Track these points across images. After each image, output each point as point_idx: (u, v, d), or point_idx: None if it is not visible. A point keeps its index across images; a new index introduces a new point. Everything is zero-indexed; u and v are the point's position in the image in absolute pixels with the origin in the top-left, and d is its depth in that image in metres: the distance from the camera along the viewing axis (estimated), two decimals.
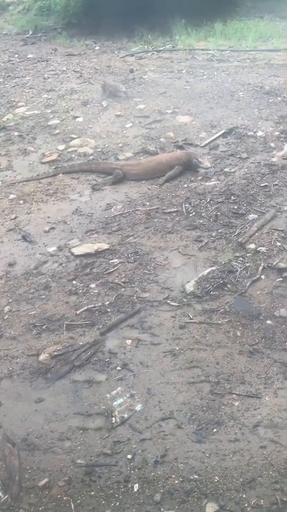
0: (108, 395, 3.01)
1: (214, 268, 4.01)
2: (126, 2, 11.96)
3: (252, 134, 6.41)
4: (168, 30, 11.69)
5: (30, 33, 13.34)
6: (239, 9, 13.02)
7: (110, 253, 4.33)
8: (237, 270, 3.97)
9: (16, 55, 11.13)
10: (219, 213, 4.76)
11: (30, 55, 11.01)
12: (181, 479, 2.54)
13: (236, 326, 3.47)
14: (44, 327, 3.57)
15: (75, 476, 2.59)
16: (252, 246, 4.26)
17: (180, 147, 6.17)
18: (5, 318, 3.71)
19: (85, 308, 3.71)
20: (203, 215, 4.77)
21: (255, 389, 3.00)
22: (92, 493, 2.51)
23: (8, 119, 7.41)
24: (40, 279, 4.10)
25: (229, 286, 3.83)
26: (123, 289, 3.88)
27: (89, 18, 13.52)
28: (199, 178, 5.53)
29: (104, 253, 4.34)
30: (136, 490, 2.51)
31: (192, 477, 2.54)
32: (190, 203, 4.98)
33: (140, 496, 2.48)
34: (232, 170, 5.62)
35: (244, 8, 13.10)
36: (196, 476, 2.54)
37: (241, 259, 4.12)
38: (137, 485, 2.52)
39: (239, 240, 4.34)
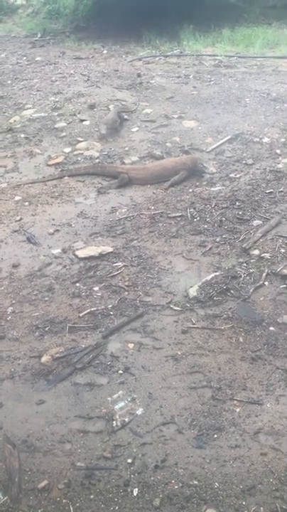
0: (109, 399, 3.01)
1: (217, 273, 4.01)
2: (135, 7, 12.04)
3: (258, 140, 6.42)
4: (176, 35, 11.75)
5: (39, 35, 13.43)
6: (247, 16, 13.09)
7: (114, 256, 4.34)
8: (241, 276, 3.97)
9: (24, 58, 11.20)
10: (223, 219, 4.76)
11: (38, 58, 11.08)
12: (181, 484, 2.53)
13: (239, 331, 3.47)
14: (47, 329, 3.58)
15: (75, 479, 2.58)
16: (256, 252, 4.26)
17: (186, 152, 6.19)
18: (8, 319, 3.71)
19: (88, 311, 3.71)
20: (208, 220, 4.77)
21: (256, 395, 3.00)
22: (92, 496, 2.50)
23: (15, 120, 7.44)
24: (44, 280, 4.11)
25: (232, 291, 3.82)
26: (126, 293, 3.88)
27: (97, 22, 13.62)
28: (205, 183, 5.54)
29: (108, 256, 4.34)
30: (135, 494, 2.50)
31: (191, 483, 2.53)
32: (194, 208, 4.99)
33: (139, 500, 2.48)
34: (237, 176, 5.63)
35: (252, 15, 13.17)
36: (196, 482, 2.53)
37: (245, 265, 4.12)
38: (136, 489, 2.52)
39: (243, 245, 4.33)
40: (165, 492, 2.50)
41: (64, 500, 2.49)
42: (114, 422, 2.86)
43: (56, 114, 7.57)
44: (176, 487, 2.52)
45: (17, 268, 4.30)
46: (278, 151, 6.13)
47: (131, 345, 3.39)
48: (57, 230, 4.84)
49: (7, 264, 4.36)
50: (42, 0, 15.25)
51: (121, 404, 2.97)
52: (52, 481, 2.57)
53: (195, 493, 2.48)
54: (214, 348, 3.34)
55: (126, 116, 7.25)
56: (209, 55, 10.47)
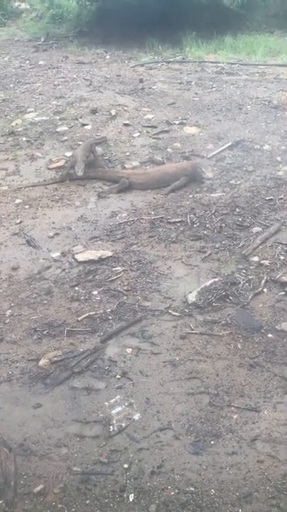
0: (106, 403, 3.00)
1: (216, 279, 4.01)
2: (138, 13, 12.11)
3: (259, 147, 6.44)
4: (179, 41, 11.82)
5: (42, 40, 13.50)
6: (249, 23, 13.19)
7: (113, 261, 4.34)
8: (240, 282, 3.97)
9: (27, 62, 11.25)
10: (223, 225, 4.77)
11: (41, 62, 11.12)
12: (177, 491, 2.52)
13: (237, 338, 3.46)
14: (45, 332, 3.57)
15: (71, 484, 2.57)
16: (255, 259, 4.26)
17: (187, 158, 6.20)
18: (6, 322, 3.71)
19: (87, 314, 3.71)
20: (207, 226, 4.78)
21: (254, 402, 2.99)
22: (87, 501, 2.49)
23: (17, 124, 7.46)
24: (43, 284, 4.10)
25: (231, 298, 3.82)
26: (125, 297, 3.88)
27: (100, 27, 13.68)
28: (205, 189, 5.55)
29: (108, 260, 4.34)
30: (131, 500, 2.49)
31: (188, 489, 2.52)
32: (194, 214, 4.99)
33: (135, 506, 2.46)
34: (238, 182, 5.64)
35: (255, 23, 13.27)
36: (192, 489, 2.52)
37: (244, 271, 4.12)
38: (132, 495, 2.51)
39: (243, 252, 4.34)
40: (161, 498, 2.49)
41: (59, 505, 2.48)
42: (111, 427, 2.85)
43: (58, 118, 7.59)
44: (172, 493, 2.51)
45: (16, 271, 4.30)
46: (278, 159, 6.15)
47: (129, 350, 3.38)
48: (57, 234, 4.85)
49: (6, 266, 4.36)
50: (46, 5, 15.33)
51: (118, 409, 2.96)
52: (48, 486, 2.56)
53: (191, 500, 2.47)
54: (212, 354, 3.34)
55: (100, 149, 6.33)
56: (211, 62, 10.53)
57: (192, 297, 3.81)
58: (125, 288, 3.98)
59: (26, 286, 4.08)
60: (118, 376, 3.18)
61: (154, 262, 4.29)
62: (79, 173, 5.64)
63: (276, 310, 3.71)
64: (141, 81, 9.23)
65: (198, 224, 4.82)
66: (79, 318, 3.68)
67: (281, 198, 5.22)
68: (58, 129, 7.18)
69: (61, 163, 6.26)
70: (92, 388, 3.11)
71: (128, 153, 6.44)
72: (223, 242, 4.52)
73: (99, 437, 2.80)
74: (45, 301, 3.90)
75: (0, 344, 3.49)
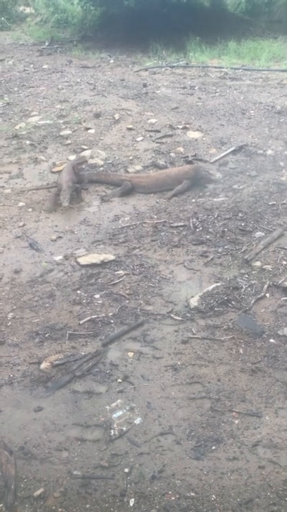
0: (107, 407, 3.00)
1: (219, 284, 4.01)
2: (142, 18, 12.17)
3: (262, 152, 6.45)
4: (183, 46, 11.87)
5: (47, 44, 13.58)
6: (253, 29, 13.25)
7: (116, 264, 4.34)
8: (242, 287, 3.97)
9: (32, 65, 11.31)
10: (226, 229, 4.77)
11: (45, 66, 11.18)
12: (178, 496, 2.51)
13: (239, 343, 3.46)
14: (47, 335, 3.57)
15: (71, 488, 2.56)
16: (258, 264, 4.26)
17: (190, 162, 6.21)
18: (8, 325, 3.71)
19: (88, 318, 3.71)
20: (210, 230, 4.78)
21: (256, 408, 2.98)
22: (87, 505, 2.48)
23: (20, 127, 7.50)
24: (45, 287, 4.11)
25: (233, 302, 3.82)
26: (127, 301, 3.87)
27: (104, 31, 13.76)
28: (208, 193, 5.55)
29: (110, 264, 4.35)
30: (131, 505, 2.48)
31: (188, 494, 2.51)
32: (197, 218, 5.00)
33: (135, 511, 2.46)
34: (241, 187, 5.64)
35: (258, 29, 13.34)
36: (193, 494, 2.52)
37: (247, 276, 4.11)
38: (133, 500, 2.50)
39: (245, 257, 4.33)
40: (162, 503, 2.48)
41: (59, 509, 2.47)
42: (112, 431, 2.84)
43: (62, 121, 7.63)
44: (173, 498, 2.50)
45: (19, 274, 4.30)
46: (281, 164, 6.15)
47: (130, 354, 3.38)
48: (60, 237, 4.86)
49: (9, 269, 4.36)
50: (51, 9, 15.44)
51: (120, 413, 2.95)
52: (48, 489, 2.55)
53: (191, 505, 2.46)
54: (214, 358, 3.33)
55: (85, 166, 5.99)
56: (215, 67, 10.57)
57: (194, 302, 3.81)
58: (127, 292, 3.97)
59: (28, 289, 4.09)
60: (119, 380, 3.18)
61: (156, 266, 4.29)
62: (65, 204, 5.23)
63: (279, 315, 3.70)
64: (145, 85, 9.26)
65: (201, 228, 4.83)
66: (81, 322, 3.68)
67: (284, 203, 5.22)
68: (62, 133, 7.21)
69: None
70: (93, 392, 3.10)
71: (131, 158, 6.46)
72: (225, 247, 4.52)
73: (100, 441, 2.80)
74: (47, 305, 3.90)
75: (2, 347, 3.50)
